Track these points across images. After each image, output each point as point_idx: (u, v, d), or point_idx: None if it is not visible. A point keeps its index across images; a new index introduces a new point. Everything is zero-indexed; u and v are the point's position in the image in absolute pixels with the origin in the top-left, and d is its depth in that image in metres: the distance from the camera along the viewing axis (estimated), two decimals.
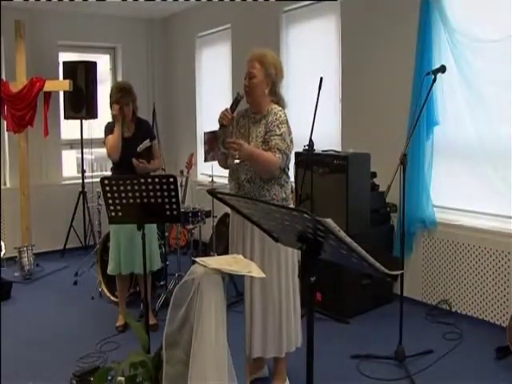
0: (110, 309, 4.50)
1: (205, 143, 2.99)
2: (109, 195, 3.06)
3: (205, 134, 2.99)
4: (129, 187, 3.01)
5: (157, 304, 4.42)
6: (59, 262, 6.12)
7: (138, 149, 4.01)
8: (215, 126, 3.07)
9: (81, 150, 6.47)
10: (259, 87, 2.95)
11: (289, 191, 3.05)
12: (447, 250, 4.18)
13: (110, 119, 4.12)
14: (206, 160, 3.06)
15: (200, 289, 2.05)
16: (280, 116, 2.92)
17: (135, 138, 4.05)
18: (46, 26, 6.40)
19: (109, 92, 4.11)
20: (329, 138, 4.94)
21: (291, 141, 2.97)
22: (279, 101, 3.04)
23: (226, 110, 2.94)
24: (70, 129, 6.72)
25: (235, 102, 2.97)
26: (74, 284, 5.27)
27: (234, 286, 4.63)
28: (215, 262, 2.17)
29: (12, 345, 3.81)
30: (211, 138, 2.96)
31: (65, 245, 6.41)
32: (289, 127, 2.95)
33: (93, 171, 6.67)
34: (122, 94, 3.98)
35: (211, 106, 6.59)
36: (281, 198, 2.97)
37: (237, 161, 2.87)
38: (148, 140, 4.08)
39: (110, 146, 3.98)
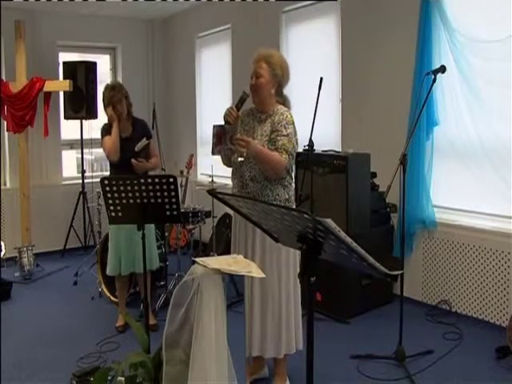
0: (109, 309, 4.50)
1: (213, 136, 2.98)
2: (109, 195, 3.06)
3: (214, 126, 2.99)
4: (129, 187, 3.01)
5: (157, 304, 4.42)
6: (59, 262, 6.12)
7: (136, 148, 4.00)
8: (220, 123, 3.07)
9: (81, 150, 6.47)
10: (265, 87, 2.95)
11: (292, 192, 3.04)
12: (447, 250, 4.18)
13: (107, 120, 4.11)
14: (213, 153, 3.05)
15: (200, 289, 2.05)
16: (286, 116, 2.93)
17: (133, 137, 4.05)
18: (46, 25, 6.40)
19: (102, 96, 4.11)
20: (329, 138, 4.94)
21: (296, 142, 2.97)
22: (285, 101, 3.04)
23: (232, 107, 2.95)
24: (70, 129, 6.72)
25: (241, 101, 2.97)
26: (74, 284, 5.27)
27: (234, 286, 4.63)
28: (215, 262, 2.17)
29: (12, 345, 3.81)
30: (220, 132, 2.96)
31: (65, 245, 6.41)
32: (295, 128, 2.96)
33: (93, 171, 6.67)
34: (113, 93, 3.99)
35: (211, 107, 6.60)
36: (284, 198, 2.97)
37: (241, 158, 2.88)
38: (145, 139, 4.07)
39: (109, 147, 3.97)
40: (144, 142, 4.05)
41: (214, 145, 3.00)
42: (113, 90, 4.02)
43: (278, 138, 2.88)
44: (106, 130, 4.02)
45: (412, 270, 4.35)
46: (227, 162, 3.14)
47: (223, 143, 2.98)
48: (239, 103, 2.96)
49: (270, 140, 2.91)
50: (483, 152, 3.86)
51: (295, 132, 2.96)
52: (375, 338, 3.82)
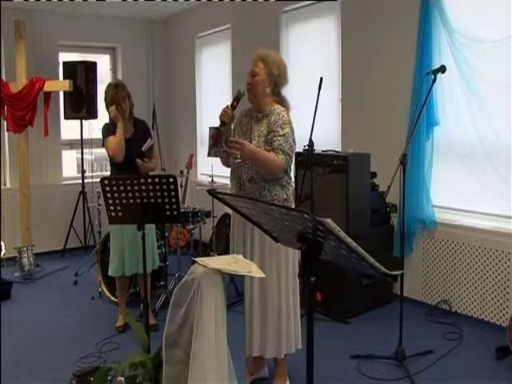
0: (109, 309, 4.50)
1: (209, 138, 2.99)
2: (109, 195, 3.06)
3: (210, 128, 2.99)
4: (129, 187, 3.01)
5: (157, 304, 4.42)
6: (59, 262, 6.12)
7: (143, 148, 3.99)
8: (217, 124, 3.07)
9: (81, 150, 6.47)
10: (260, 85, 2.95)
11: (290, 192, 3.03)
12: (447, 250, 4.18)
13: (108, 119, 4.08)
14: (209, 155, 3.05)
15: (200, 289, 2.05)
16: (283, 116, 2.92)
17: (135, 138, 4.03)
18: (46, 26, 6.40)
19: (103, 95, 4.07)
20: (329, 138, 4.94)
21: (294, 141, 2.96)
22: (283, 102, 3.03)
23: (227, 107, 2.95)
24: (70, 129, 6.72)
25: (236, 100, 2.97)
26: (74, 284, 5.27)
27: (234, 286, 4.63)
28: (215, 261, 2.18)
29: (12, 345, 3.81)
30: (215, 134, 2.97)
31: (65, 245, 6.41)
32: (292, 127, 2.95)
33: (93, 171, 6.67)
34: (116, 91, 3.97)
35: (211, 106, 6.59)
36: (282, 198, 2.96)
37: (238, 160, 2.88)
38: (150, 139, 4.07)
39: (114, 147, 3.90)
40: (150, 142, 4.05)
41: (210, 147, 3.00)
42: (116, 87, 3.99)
43: (275, 138, 2.87)
44: (109, 130, 3.96)
45: (412, 270, 4.35)
46: (226, 162, 3.14)
47: (219, 145, 2.99)
48: (234, 102, 2.97)
49: (266, 141, 2.91)
50: (483, 152, 3.86)
51: (292, 131, 2.95)
52: (375, 338, 3.82)
